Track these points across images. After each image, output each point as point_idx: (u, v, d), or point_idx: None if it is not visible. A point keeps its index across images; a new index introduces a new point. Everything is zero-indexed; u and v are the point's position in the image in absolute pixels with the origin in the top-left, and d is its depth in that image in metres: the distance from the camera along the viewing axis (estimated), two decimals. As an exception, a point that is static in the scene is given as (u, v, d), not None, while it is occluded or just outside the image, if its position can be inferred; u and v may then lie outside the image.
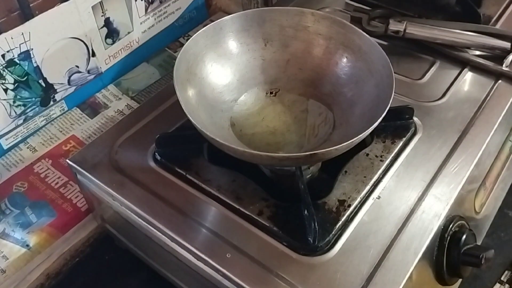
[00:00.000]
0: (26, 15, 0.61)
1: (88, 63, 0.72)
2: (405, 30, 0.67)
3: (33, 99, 0.67)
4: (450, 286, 0.54)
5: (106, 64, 0.75)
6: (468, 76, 0.66)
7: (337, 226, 0.48)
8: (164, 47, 0.84)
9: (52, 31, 0.65)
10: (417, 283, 0.47)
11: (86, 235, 0.64)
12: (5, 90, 0.63)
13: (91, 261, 0.63)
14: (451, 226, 0.51)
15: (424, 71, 0.67)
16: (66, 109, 0.73)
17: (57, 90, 0.70)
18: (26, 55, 0.64)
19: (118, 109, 0.74)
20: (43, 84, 0.68)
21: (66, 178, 0.65)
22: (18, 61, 0.63)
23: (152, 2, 0.78)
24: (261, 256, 0.47)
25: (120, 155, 0.57)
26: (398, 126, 0.57)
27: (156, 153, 0.56)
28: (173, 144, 0.56)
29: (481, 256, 0.50)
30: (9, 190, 0.64)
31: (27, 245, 0.59)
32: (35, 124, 0.70)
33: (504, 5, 0.77)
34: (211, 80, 0.58)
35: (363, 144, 0.55)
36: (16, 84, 0.64)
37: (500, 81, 0.65)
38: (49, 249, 0.60)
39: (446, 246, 0.50)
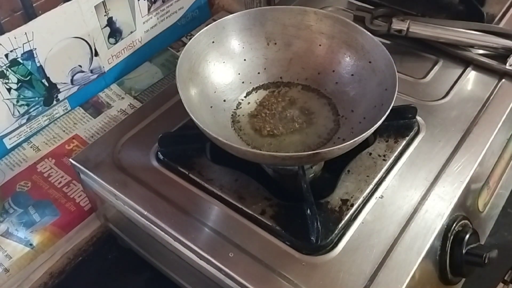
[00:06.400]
0: (29, 14, 0.61)
1: (91, 63, 0.72)
2: (408, 29, 0.67)
3: (36, 98, 0.68)
4: (453, 285, 0.54)
5: (109, 63, 0.75)
6: (472, 75, 0.66)
7: (340, 226, 0.48)
8: (167, 46, 0.84)
9: (55, 31, 0.65)
10: (420, 282, 0.47)
11: (89, 234, 0.64)
12: (9, 89, 0.63)
13: (94, 260, 0.64)
14: (454, 225, 0.50)
15: (427, 70, 0.67)
16: (69, 108, 0.73)
17: (60, 90, 0.70)
18: (29, 55, 0.64)
19: (121, 109, 0.74)
20: (46, 84, 0.68)
21: (69, 177, 0.65)
22: (21, 61, 0.63)
23: (154, 2, 0.78)
24: (263, 255, 0.46)
25: (123, 155, 0.57)
26: (401, 125, 0.57)
27: (159, 153, 0.56)
28: (176, 143, 0.56)
29: (484, 255, 0.50)
30: (12, 189, 0.64)
31: (31, 244, 0.59)
32: (38, 124, 0.70)
33: (508, 4, 0.77)
34: (213, 79, 0.58)
35: (366, 143, 0.54)
36: (19, 84, 0.64)
37: (503, 80, 0.64)
38: (52, 248, 0.61)
39: (449, 245, 0.50)
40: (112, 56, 0.75)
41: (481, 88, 0.63)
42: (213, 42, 0.57)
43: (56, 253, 0.61)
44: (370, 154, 0.55)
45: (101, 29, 0.71)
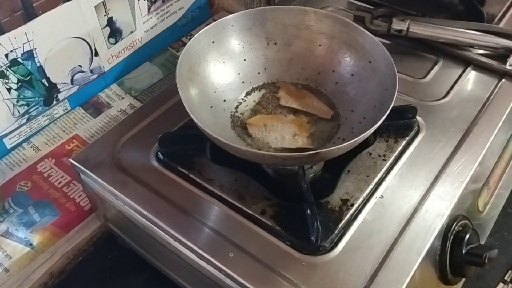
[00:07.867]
0: (29, 14, 0.61)
1: (91, 63, 0.72)
2: (408, 29, 0.67)
3: (36, 98, 0.68)
4: (453, 285, 0.54)
5: (109, 63, 0.75)
6: (472, 75, 0.66)
7: (340, 226, 0.48)
8: (167, 46, 0.84)
9: (55, 31, 0.65)
10: (420, 282, 0.47)
11: (89, 234, 0.64)
12: (9, 89, 0.64)
13: (94, 260, 0.64)
14: (454, 225, 0.50)
15: (427, 70, 0.67)
16: (69, 108, 0.73)
17: (60, 90, 0.70)
18: (29, 55, 0.64)
19: (121, 109, 0.74)
20: (46, 84, 0.68)
21: (69, 177, 0.65)
22: (21, 61, 0.63)
23: (154, 2, 0.78)
24: (263, 255, 0.46)
25: (123, 155, 0.57)
26: (401, 125, 0.57)
27: (159, 153, 0.56)
28: (176, 143, 0.56)
29: (484, 255, 0.50)
30: (12, 189, 0.64)
31: (31, 244, 0.59)
32: (38, 124, 0.70)
33: (508, 4, 0.77)
34: (213, 79, 0.58)
35: (366, 143, 0.54)
36: (19, 84, 0.64)
37: (503, 80, 0.64)
38: (52, 248, 0.61)
39: (449, 245, 0.50)
40: (112, 56, 0.75)
41: (481, 88, 0.63)
42: (213, 42, 0.57)
43: (56, 253, 0.61)
44: (370, 154, 0.55)
45: (101, 29, 0.71)
